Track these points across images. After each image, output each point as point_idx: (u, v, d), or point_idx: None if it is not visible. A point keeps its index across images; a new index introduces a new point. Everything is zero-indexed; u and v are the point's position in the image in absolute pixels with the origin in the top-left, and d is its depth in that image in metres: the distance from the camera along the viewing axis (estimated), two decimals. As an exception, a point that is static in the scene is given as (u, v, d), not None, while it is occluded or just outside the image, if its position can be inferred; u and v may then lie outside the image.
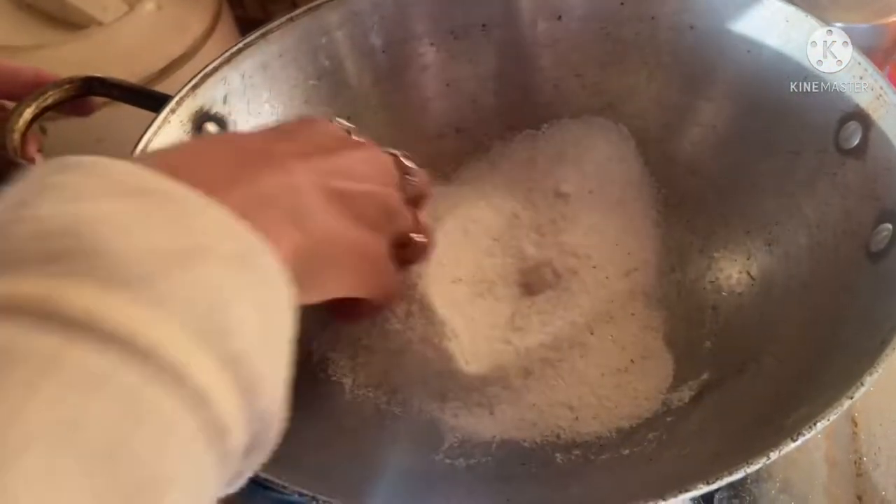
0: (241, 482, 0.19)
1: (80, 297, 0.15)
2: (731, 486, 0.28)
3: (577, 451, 0.34)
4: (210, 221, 0.18)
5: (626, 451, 0.33)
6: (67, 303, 0.15)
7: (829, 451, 0.34)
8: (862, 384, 0.25)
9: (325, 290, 0.26)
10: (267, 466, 0.20)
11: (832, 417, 0.24)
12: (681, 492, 0.24)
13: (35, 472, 0.13)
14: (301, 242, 0.22)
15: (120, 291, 0.15)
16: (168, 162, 0.19)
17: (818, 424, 0.24)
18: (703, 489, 0.24)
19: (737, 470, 0.24)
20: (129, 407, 0.15)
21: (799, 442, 0.24)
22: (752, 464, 0.24)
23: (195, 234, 0.18)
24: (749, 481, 0.24)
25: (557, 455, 0.34)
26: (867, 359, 0.26)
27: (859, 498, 0.34)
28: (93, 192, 0.17)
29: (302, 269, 0.21)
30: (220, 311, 0.17)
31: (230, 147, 0.24)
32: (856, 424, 0.35)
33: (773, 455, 0.24)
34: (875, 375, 0.25)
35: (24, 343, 0.14)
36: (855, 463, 0.34)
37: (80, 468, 0.14)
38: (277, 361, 0.19)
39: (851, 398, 0.25)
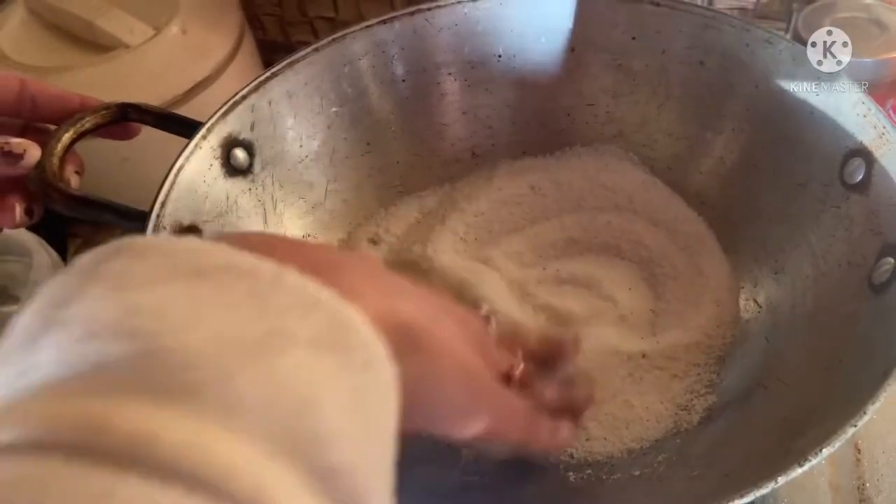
0: None
1: (131, 417, 0.12)
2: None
3: (589, 471, 0.35)
4: (286, 296, 0.15)
5: (637, 472, 0.34)
6: (115, 427, 0.12)
7: (832, 476, 0.36)
8: (865, 413, 0.26)
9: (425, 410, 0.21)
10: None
11: (837, 444, 0.25)
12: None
13: None
14: (392, 316, 0.18)
15: (181, 403, 0.13)
16: (235, 239, 0.16)
17: (824, 451, 0.25)
18: (714, 512, 0.25)
19: (746, 493, 0.25)
20: None
21: (805, 467, 0.25)
22: (760, 487, 0.25)
23: (270, 315, 0.15)
24: (754, 505, 0.25)
25: (570, 474, 0.35)
26: (870, 388, 0.27)
27: (862, 522, 0.35)
28: (146, 278, 0.14)
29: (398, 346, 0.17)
30: (311, 414, 0.14)
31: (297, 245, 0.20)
32: (859, 451, 0.36)
33: (781, 480, 0.25)
34: (877, 405, 0.26)
35: (61, 486, 0.11)
36: (858, 489, 0.35)
37: None
38: (382, 469, 0.16)
39: (855, 426, 0.26)
